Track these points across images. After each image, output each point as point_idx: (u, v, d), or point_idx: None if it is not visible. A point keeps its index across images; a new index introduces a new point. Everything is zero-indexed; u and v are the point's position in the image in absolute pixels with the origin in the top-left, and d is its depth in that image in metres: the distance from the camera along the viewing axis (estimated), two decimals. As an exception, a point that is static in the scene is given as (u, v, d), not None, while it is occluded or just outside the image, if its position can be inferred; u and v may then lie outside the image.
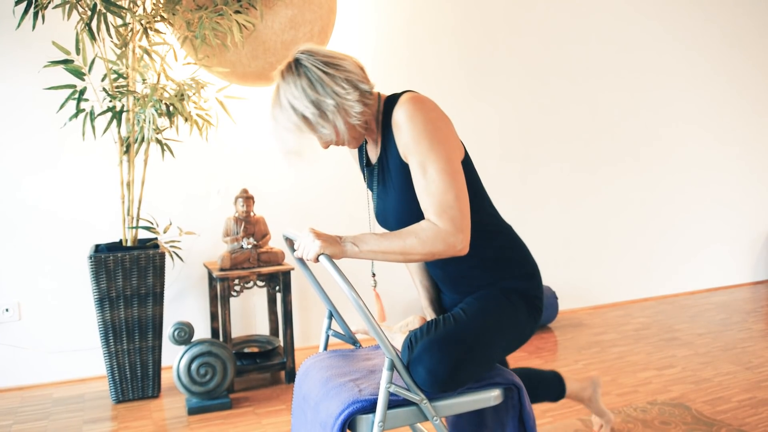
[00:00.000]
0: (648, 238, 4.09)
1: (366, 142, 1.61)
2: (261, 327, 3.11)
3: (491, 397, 1.49)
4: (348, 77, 1.40)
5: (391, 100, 1.48)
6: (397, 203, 1.50)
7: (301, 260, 1.70)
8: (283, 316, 2.72)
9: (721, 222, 4.37)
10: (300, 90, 1.38)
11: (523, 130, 3.65)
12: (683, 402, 2.46)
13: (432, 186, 1.36)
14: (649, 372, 2.81)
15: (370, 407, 1.39)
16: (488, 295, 1.51)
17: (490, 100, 3.56)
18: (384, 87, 3.22)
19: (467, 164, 1.49)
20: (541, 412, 2.39)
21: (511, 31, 3.56)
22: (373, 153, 1.58)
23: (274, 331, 2.98)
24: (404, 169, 1.45)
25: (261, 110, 3.04)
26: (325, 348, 1.79)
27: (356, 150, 1.65)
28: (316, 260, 1.37)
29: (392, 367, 1.36)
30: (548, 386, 1.96)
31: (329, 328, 1.78)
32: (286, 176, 3.12)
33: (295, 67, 1.40)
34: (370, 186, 1.63)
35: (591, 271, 3.91)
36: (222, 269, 2.66)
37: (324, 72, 1.38)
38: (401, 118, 1.39)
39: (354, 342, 1.79)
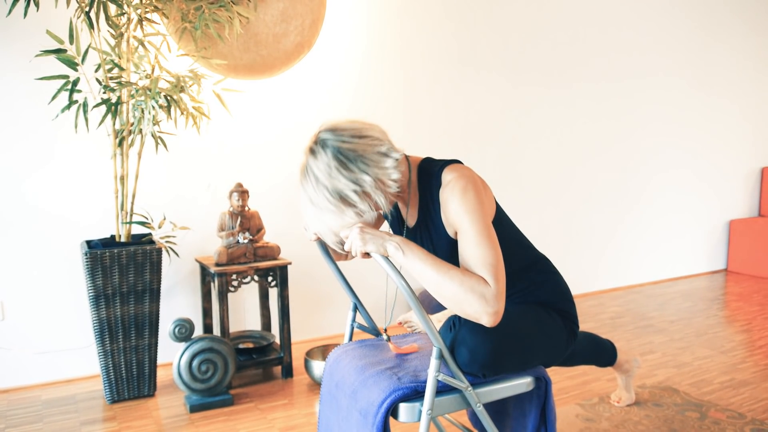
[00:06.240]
0: (616, 231, 4.26)
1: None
2: (251, 322, 3.08)
3: (525, 383, 1.55)
4: (378, 148, 1.40)
5: (426, 169, 1.52)
6: None
7: (327, 253, 1.72)
8: (280, 311, 2.71)
9: (682, 216, 4.59)
10: (335, 171, 1.35)
11: (504, 121, 3.73)
12: (670, 385, 2.59)
13: (482, 251, 1.37)
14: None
15: (411, 394, 1.42)
16: (526, 304, 1.61)
17: (478, 92, 3.62)
18: (376, 81, 3.27)
19: (500, 216, 1.57)
20: (540, 399, 2.47)
21: (497, 24, 3.64)
22: (407, 214, 1.59)
23: (266, 326, 2.96)
24: (448, 239, 1.49)
25: (253, 104, 3.01)
26: (350, 340, 1.80)
27: None
28: (366, 256, 1.40)
29: (440, 356, 1.39)
30: (605, 352, 2.13)
31: (354, 320, 1.79)
32: (278, 171, 3.10)
33: (323, 148, 1.38)
34: None
35: (564, 262, 4.04)
36: (218, 264, 2.62)
37: (352, 148, 1.37)
38: (449, 201, 1.42)
39: (377, 333, 1.81)
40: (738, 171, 4.89)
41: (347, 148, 1.37)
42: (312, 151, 1.40)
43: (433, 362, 1.39)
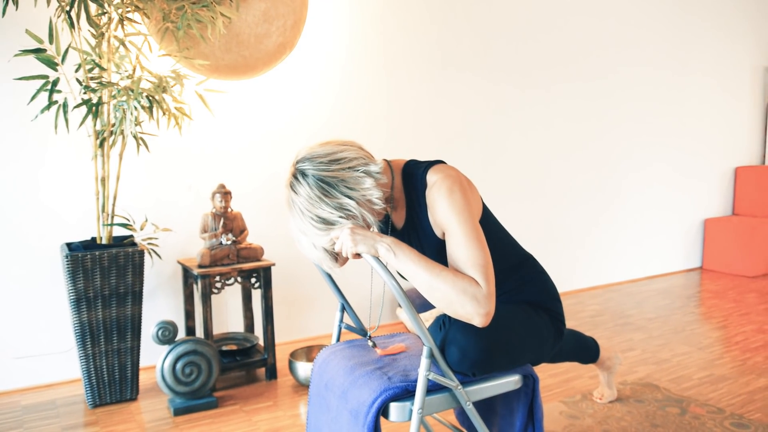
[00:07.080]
0: (593, 230, 4.32)
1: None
2: (234, 324, 3.06)
3: (512, 381, 1.57)
4: (357, 169, 1.40)
5: (410, 172, 1.52)
6: None
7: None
8: (264, 312, 2.69)
9: (658, 215, 4.67)
10: (318, 200, 1.36)
11: (485, 121, 3.76)
12: (651, 381, 2.63)
13: (471, 252, 1.38)
14: (614, 355, 2.97)
15: (401, 394, 1.43)
16: (514, 304, 1.61)
17: (459, 91, 3.64)
18: (359, 81, 3.27)
19: (486, 216, 1.57)
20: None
21: (478, 25, 3.66)
22: (396, 217, 1.60)
23: (249, 327, 2.94)
24: (436, 240, 1.50)
25: (236, 104, 2.99)
26: (338, 340, 1.80)
27: None
28: (357, 256, 1.40)
29: (431, 355, 1.40)
30: (588, 349, 2.15)
31: (341, 320, 1.80)
32: (261, 171, 3.08)
33: (303, 178, 1.38)
34: None
35: (542, 261, 4.07)
36: (201, 266, 2.60)
37: (332, 174, 1.37)
38: (436, 202, 1.43)
39: (365, 333, 1.82)
40: (712, 171, 4.99)
41: (327, 175, 1.37)
42: (292, 185, 1.40)
43: (424, 361, 1.39)
